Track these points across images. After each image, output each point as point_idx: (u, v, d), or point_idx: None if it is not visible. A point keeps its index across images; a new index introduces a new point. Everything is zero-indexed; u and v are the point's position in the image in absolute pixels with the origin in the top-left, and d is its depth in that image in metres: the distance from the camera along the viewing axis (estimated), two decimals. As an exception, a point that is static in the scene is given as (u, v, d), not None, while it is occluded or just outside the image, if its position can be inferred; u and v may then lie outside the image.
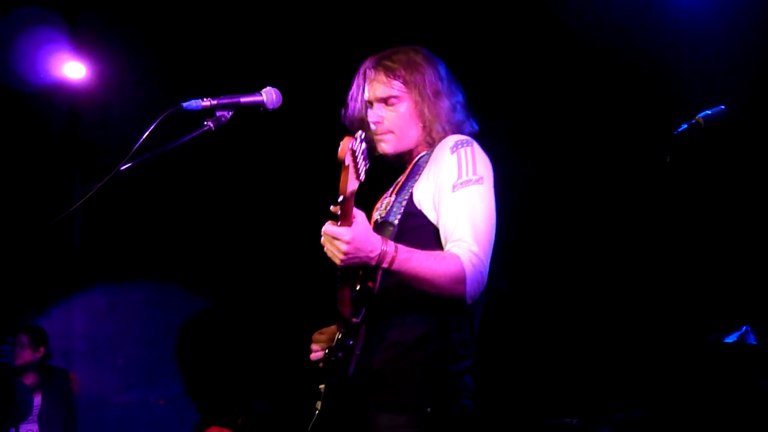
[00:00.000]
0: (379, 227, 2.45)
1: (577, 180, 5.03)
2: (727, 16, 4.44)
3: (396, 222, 2.46)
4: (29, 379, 5.44)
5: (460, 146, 2.49)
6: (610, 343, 4.78)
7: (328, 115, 2.89)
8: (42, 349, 5.57)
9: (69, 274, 6.68)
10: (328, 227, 2.20)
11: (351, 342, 2.38)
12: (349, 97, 2.73)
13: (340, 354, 2.39)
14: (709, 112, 2.86)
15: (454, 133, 2.59)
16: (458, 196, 2.41)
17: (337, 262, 2.23)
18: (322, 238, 2.23)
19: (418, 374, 2.42)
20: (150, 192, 6.13)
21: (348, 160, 2.10)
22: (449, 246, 2.38)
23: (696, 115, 2.85)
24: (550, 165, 5.10)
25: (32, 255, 6.18)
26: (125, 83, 6.13)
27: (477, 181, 2.43)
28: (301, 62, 5.63)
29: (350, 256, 2.20)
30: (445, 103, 2.62)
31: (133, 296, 6.53)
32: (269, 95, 2.51)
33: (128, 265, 6.45)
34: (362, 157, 2.13)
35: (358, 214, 2.21)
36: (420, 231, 2.47)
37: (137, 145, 2.33)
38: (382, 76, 2.62)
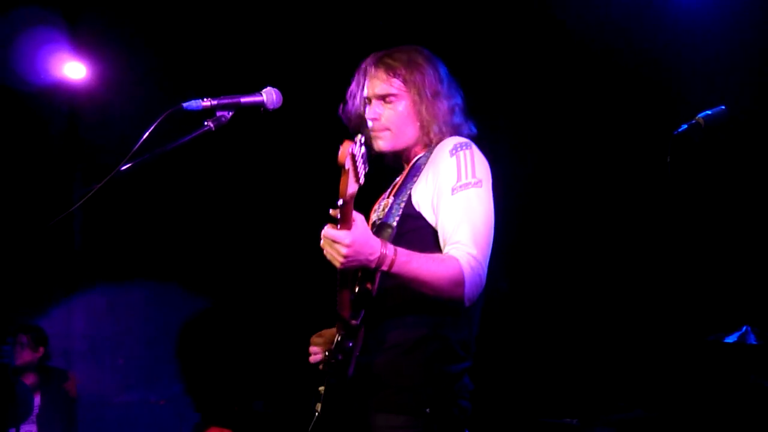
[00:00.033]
0: (378, 229, 2.46)
1: (578, 180, 5.03)
2: (727, 16, 4.44)
3: (394, 224, 2.47)
4: (29, 379, 5.44)
5: (459, 149, 2.49)
6: (610, 343, 4.78)
7: (328, 116, 2.89)
8: (41, 349, 5.57)
9: (69, 274, 6.69)
10: (328, 231, 2.20)
11: (350, 344, 2.38)
12: (348, 93, 2.73)
13: (340, 356, 2.39)
14: (709, 112, 2.86)
15: (451, 134, 2.59)
16: (457, 199, 2.42)
17: (337, 265, 2.23)
18: (322, 242, 2.24)
19: (417, 375, 2.42)
20: (150, 192, 6.13)
21: (348, 164, 2.11)
22: (448, 248, 2.39)
23: (696, 115, 2.85)
24: (550, 165, 5.10)
25: (32, 255, 6.18)
26: (125, 83, 6.14)
27: (476, 184, 2.44)
28: (301, 62, 5.63)
29: (350, 259, 2.20)
30: (443, 104, 2.62)
31: (133, 296, 6.53)
32: (269, 95, 2.52)
33: (128, 265, 6.45)
34: (362, 160, 2.14)
35: (358, 218, 2.22)
36: (419, 233, 2.47)
37: (137, 146, 2.33)
38: (382, 74, 2.62)
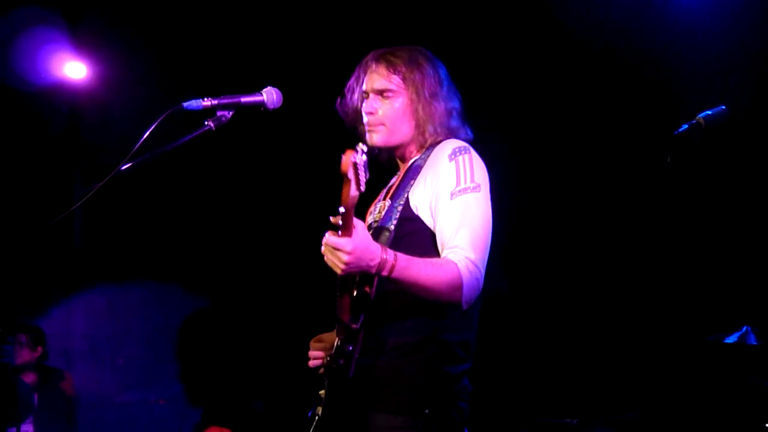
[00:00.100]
0: (375, 232, 2.46)
1: (578, 180, 5.03)
2: (727, 16, 4.44)
3: (392, 227, 2.48)
4: (27, 379, 5.45)
5: (458, 153, 2.51)
6: (610, 343, 4.78)
7: (328, 116, 2.89)
8: (40, 349, 5.58)
9: (69, 274, 6.69)
10: (330, 238, 2.21)
11: (350, 348, 2.39)
12: (347, 87, 2.74)
13: (341, 361, 2.40)
14: (709, 112, 2.86)
15: (446, 136, 2.60)
16: (456, 204, 2.43)
17: (338, 271, 2.25)
18: (323, 248, 2.24)
19: (417, 376, 2.43)
20: (150, 192, 6.13)
21: (350, 174, 2.13)
22: (446, 252, 2.40)
23: (696, 116, 2.85)
24: (550, 165, 5.10)
25: (32, 255, 6.18)
26: (126, 83, 6.14)
27: (474, 188, 2.46)
28: (301, 62, 5.63)
29: (351, 266, 2.22)
30: (440, 106, 2.63)
31: (133, 296, 6.54)
32: (270, 95, 2.52)
33: (128, 265, 6.45)
34: (363, 168, 2.16)
35: (358, 224, 2.23)
36: (417, 236, 2.48)
37: (138, 145, 2.33)
38: (382, 69, 2.63)
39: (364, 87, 2.67)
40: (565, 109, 5.05)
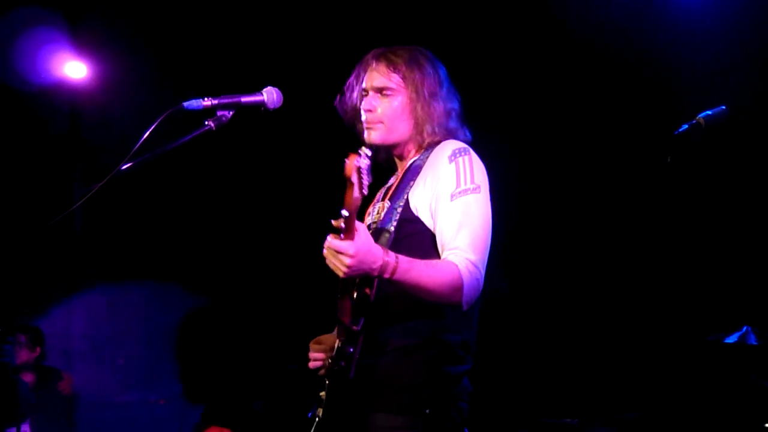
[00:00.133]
0: (375, 234, 2.46)
1: (578, 180, 5.04)
2: (727, 16, 4.44)
3: (392, 229, 2.48)
4: (26, 379, 5.46)
5: (458, 155, 2.51)
6: (610, 343, 4.78)
7: (328, 116, 2.90)
8: (38, 349, 5.59)
9: (69, 274, 6.69)
10: (333, 242, 2.21)
11: (351, 349, 2.39)
12: (346, 85, 2.74)
13: (342, 363, 2.40)
14: (709, 112, 2.86)
15: (445, 137, 2.60)
16: (456, 205, 2.44)
17: (340, 274, 2.25)
18: (325, 251, 2.25)
19: (417, 376, 2.43)
20: (150, 192, 6.13)
21: (354, 178, 2.15)
22: (446, 254, 2.41)
23: (696, 116, 2.85)
24: (550, 165, 5.11)
25: (32, 255, 6.19)
26: (126, 83, 6.14)
27: (474, 190, 2.46)
28: (301, 62, 5.63)
29: (354, 269, 2.22)
30: (439, 106, 2.63)
31: (133, 296, 6.54)
32: (270, 95, 2.52)
33: (128, 265, 6.45)
34: (366, 172, 2.18)
35: (360, 227, 2.23)
36: (417, 237, 2.49)
37: (138, 145, 2.33)
38: (382, 67, 2.63)
39: (363, 85, 2.67)
40: (565, 110, 5.05)
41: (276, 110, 2.53)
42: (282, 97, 2.53)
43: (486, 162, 2.57)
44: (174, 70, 6.01)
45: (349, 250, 2.20)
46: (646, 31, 4.71)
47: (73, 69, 6.13)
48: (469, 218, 2.42)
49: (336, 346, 2.46)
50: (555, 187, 5.09)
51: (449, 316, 2.46)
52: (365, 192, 2.19)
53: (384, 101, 2.62)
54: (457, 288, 2.34)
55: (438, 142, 2.59)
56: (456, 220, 2.42)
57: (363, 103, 2.66)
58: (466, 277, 2.35)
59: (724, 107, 2.87)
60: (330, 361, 2.46)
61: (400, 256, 2.30)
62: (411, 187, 2.55)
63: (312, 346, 2.69)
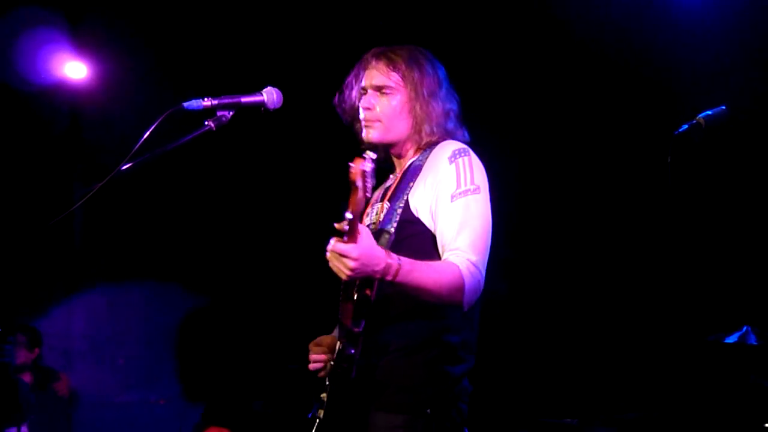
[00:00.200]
0: (375, 235, 2.46)
1: (578, 181, 5.04)
2: (727, 16, 4.44)
3: (392, 230, 2.48)
4: (24, 379, 5.46)
5: (458, 156, 2.51)
6: (610, 343, 4.78)
7: (328, 116, 2.90)
8: (36, 350, 5.60)
9: (69, 274, 6.69)
10: (337, 245, 2.21)
11: (352, 351, 2.39)
12: (345, 83, 2.74)
13: (345, 365, 2.40)
14: (709, 112, 2.86)
15: (443, 137, 2.60)
16: (456, 206, 2.44)
17: (344, 277, 2.25)
18: (328, 255, 2.24)
19: (418, 376, 2.44)
20: (150, 192, 6.13)
21: (359, 182, 2.15)
22: (447, 255, 2.41)
23: (696, 116, 2.85)
24: (550, 165, 5.11)
25: (32, 255, 6.19)
26: (126, 83, 6.14)
27: (474, 190, 2.47)
28: (301, 62, 5.63)
29: (357, 272, 2.23)
30: (438, 106, 2.63)
31: (133, 296, 6.54)
32: (270, 95, 2.52)
33: (128, 265, 6.45)
34: (370, 176, 2.19)
35: (363, 230, 2.23)
36: (418, 238, 2.49)
37: (138, 145, 2.33)
38: (382, 66, 2.63)
39: (362, 83, 2.67)
40: (565, 110, 5.05)
41: (276, 110, 2.53)
42: (282, 97, 2.53)
43: (485, 162, 2.57)
44: (174, 70, 6.01)
45: (353, 253, 2.20)
46: (646, 31, 4.71)
47: (73, 69, 6.13)
48: (469, 219, 2.43)
49: (337, 348, 2.46)
50: (555, 188, 5.09)
51: (450, 316, 2.46)
52: (369, 195, 2.21)
53: (383, 100, 2.62)
54: (459, 289, 2.35)
55: (436, 143, 2.59)
56: (457, 221, 2.43)
57: (362, 101, 2.66)
58: (468, 278, 2.36)
59: (724, 107, 2.87)
60: (332, 363, 2.46)
61: (403, 258, 2.30)
62: (411, 188, 2.54)
63: (312, 347, 2.68)
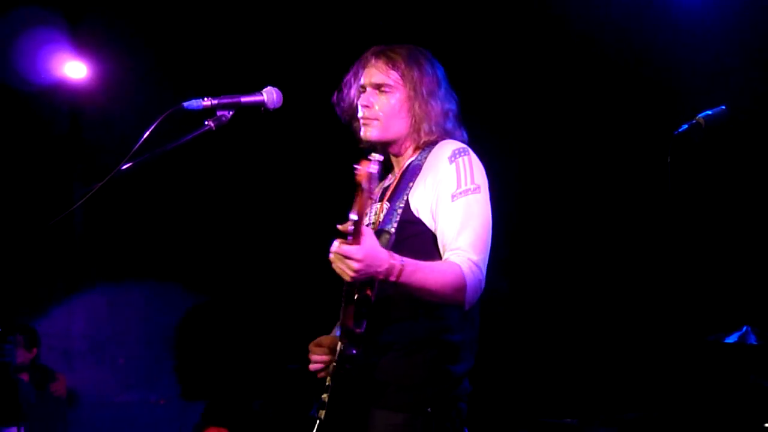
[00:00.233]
0: (376, 235, 2.45)
1: (578, 180, 5.04)
2: (727, 16, 4.44)
3: (392, 230, 2.48)
4: (24, 379, 5.47)
5: (458, 155, 2.51)
6: (610, 344, 4.78)
7: (328, 116, 2.90)
8: (35, 350, 5.60)
9: (69, 274, 6.69)
10: (341, 247, 2.21)
11: (354, 351, 2.39)
12: (344, 82, 2.74)
13: (348, 366, 2.40)
14: (709, 112, 2.86)
15: (442, 137, 2.60)
16: (457, 206, 2.44)
17: (347, 279, 2.24)
18: (332, 256, 2.24)
19: (418, 375, 2.44)
20: (150, 192, 6.13)
21: (365, 184, 2.16)
22: (448, 254, 2.41)
23: (696, 116, 2.85)
24: (550, 165, 5.11)
25: (32, 255, 6.19)
26: (126, 83, 6.14)
27: (475, 190, 2.47)
28: (301, 62, 5.63)
29: (361, 273, 2.22)
30: (437, 105, 2.63)
31: (133, 296, 6.54)
32: (270, 95, 2.51)
33: (128, 265, 6.45)
34: (375, 178, 2.20)
35: (366, 231, 2.23)
36: (419, 239, 2.49)
37: (138, 145, 2.33)
38: (381, 64, 2.63)
39: (361, 81, 2.67)
40: (565, 109, 5.05)
41: (276, 110, 2.53)
42: (282, 97, 2.53)
43: (485, 162, 2.57)
44: (174, 70, 6.01)
45: (357, 255, 2.19)
46: (646, 31, 4.71)
47: (73, 69, 6.13)
48: (470, 218, 2.43)
49: (338, 348, 2.46)
50: (555, 187, 5.09)
51: (450, 316, 2.46)
52: (373, 197, 2.21)
53: (381, 98, 2.62)
54: (460, 288, 2.35)
55: (435, 142, 2.59)
56: (457, 221, 2.42)
57: (360, 99, 2.65)
58: (469, 278, 2.36)
59: (724, 107, 2.88)
60: (334, 364, 2.46)
61: (405, 259, 2.30)
62: (411, 188, 2.54)
63: (312, 348, 2.67)
